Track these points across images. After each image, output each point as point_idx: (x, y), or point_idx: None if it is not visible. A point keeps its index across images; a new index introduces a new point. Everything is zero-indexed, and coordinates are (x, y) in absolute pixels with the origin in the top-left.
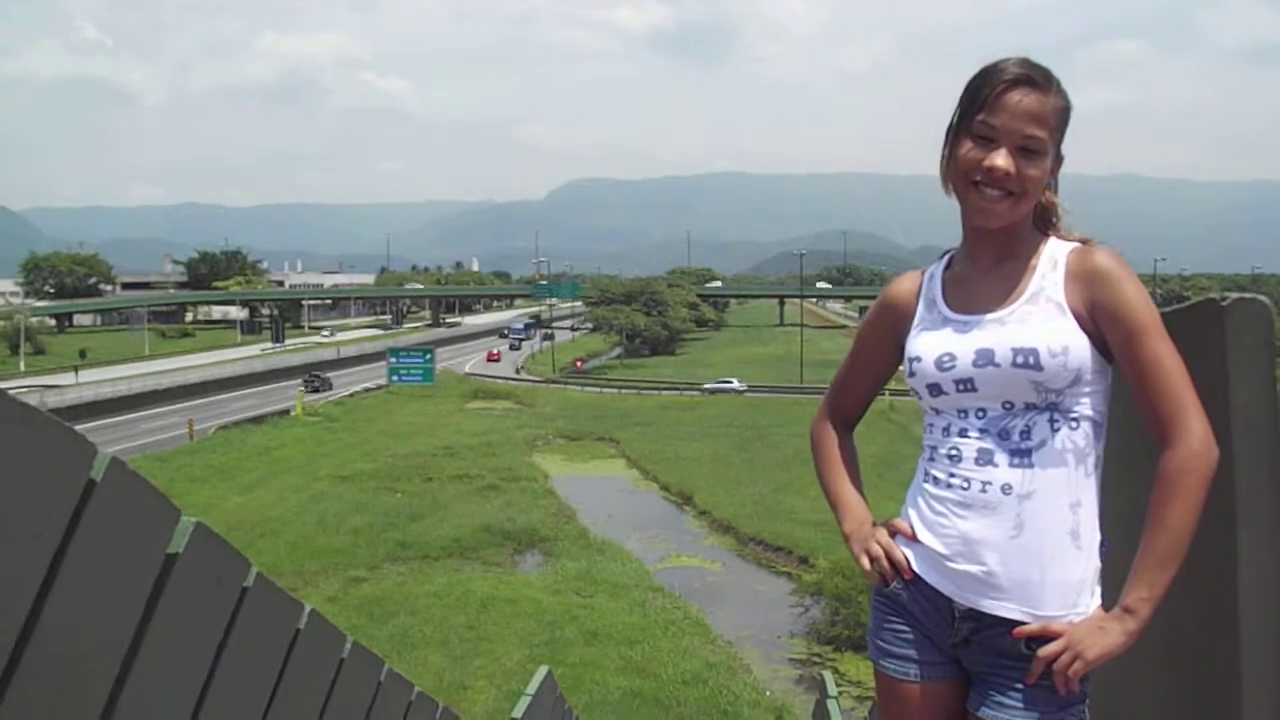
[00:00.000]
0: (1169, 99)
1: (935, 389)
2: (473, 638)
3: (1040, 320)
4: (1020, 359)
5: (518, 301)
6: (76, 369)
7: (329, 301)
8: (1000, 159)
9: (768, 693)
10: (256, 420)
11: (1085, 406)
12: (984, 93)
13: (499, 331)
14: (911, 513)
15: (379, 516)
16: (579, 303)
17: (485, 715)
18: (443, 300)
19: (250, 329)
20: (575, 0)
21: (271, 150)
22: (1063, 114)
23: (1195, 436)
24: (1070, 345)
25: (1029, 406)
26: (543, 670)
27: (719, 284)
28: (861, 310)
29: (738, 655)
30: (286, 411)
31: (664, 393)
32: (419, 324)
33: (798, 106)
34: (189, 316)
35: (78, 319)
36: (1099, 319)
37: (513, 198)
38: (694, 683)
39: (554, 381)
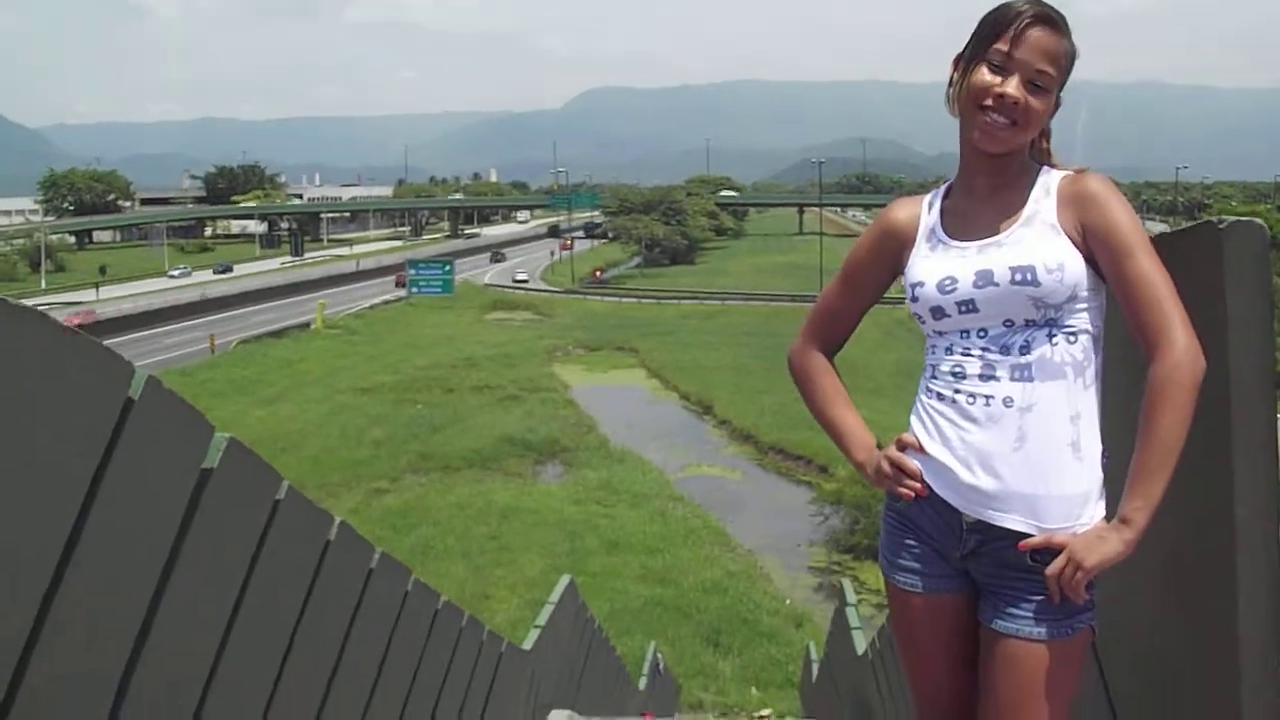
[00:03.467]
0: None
1: (938, 312)
2: (494, 548)
3: (1035, 241)
4: (1018, 277)
5: (536, 212)
6: (97, 285)
7: (347, 214)
8: (1012, 87)
9: (788, 600)
10: (277, 334)
11: (1082, 320)
12: (1004, 25)
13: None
14: (917, 427)
15: (400, 428)
16: (597, 212)
17: (508, 624)
18: (461, 211)
19: (269, 243)
20: None
21: (287, 64)
22: (1070, 59)
23: (1179, 346)
24: (1065, 262)
25: (1028, 323)
26: (565, 579)
27: (735, 194)
28: None
29: (758, 563)
30: (307, 325)
31: (684, 302)
32: (438, 235)
33: (813, 13)
34: (208, 231)
35: (97, 235)
36: (1090, 240)
37: (530, 107)
38: (714, 591)
39: (573, 292)
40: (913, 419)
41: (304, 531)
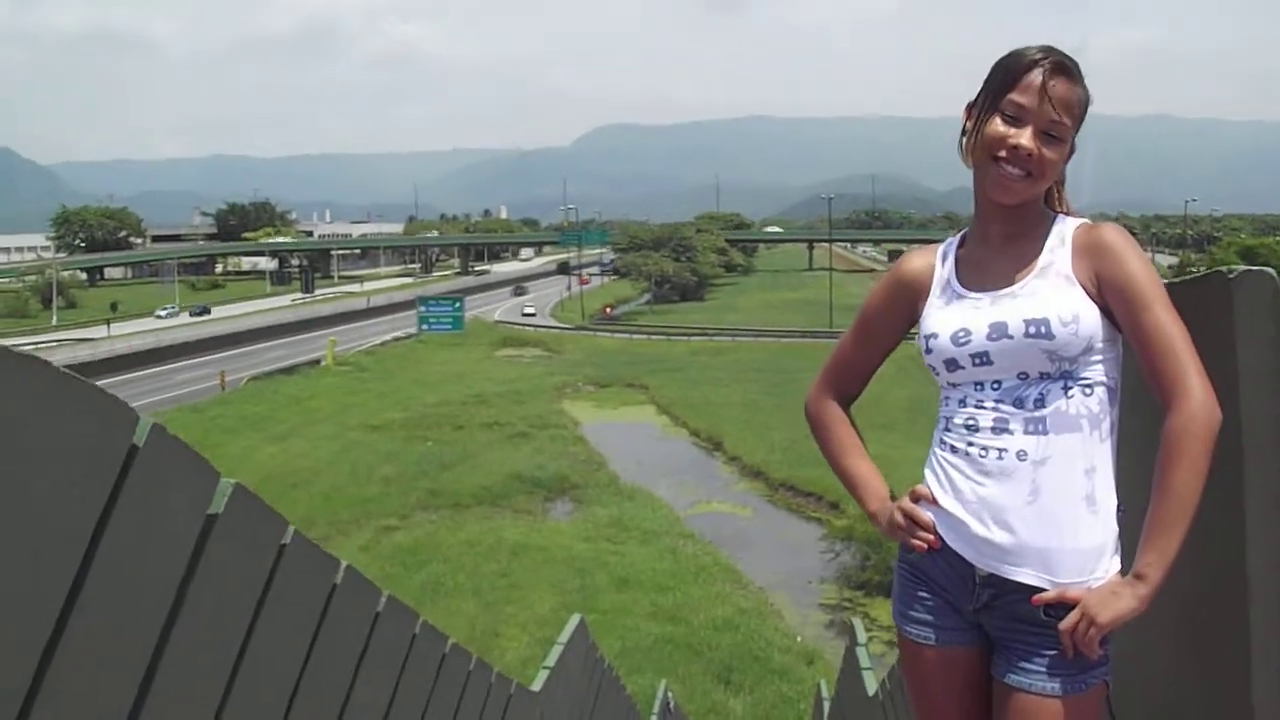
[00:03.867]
0: (1201, 37)
1: (952, 364)
2: (505, 585)
3: (1050, 292)
4: (1032, 329)
5: (546, 248)
6: (109, 322)
7: (358, 251)
8: (1026, 138)
9: (799, 638)
10: (288, 370)
11: (1098, 372)
12: (1018, 74)
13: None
14: (930, 479)
15: (410, 465)
16: (607, 248)
17: (518, 662)
18: (471, 248)
19: (280, 279)
20: None
21: (297, 100)
22: (1084, 107)
23: (1195, 399)
24: (1080, 314)
25: (1043, 376)
26: (575, 618)
27: (749, 229)
28: (891, 255)
29: (769, 601)
30: (317, 361)
31: (693, 338)
32: (448, 272)
33: (826, 50)
34: (219, 268)
35: (109, 272)
36: (1105, 291)
37: (540, 144)
38: (725, 629)
39: (583, 328)
40: (926, 471)
41: (310, 576)
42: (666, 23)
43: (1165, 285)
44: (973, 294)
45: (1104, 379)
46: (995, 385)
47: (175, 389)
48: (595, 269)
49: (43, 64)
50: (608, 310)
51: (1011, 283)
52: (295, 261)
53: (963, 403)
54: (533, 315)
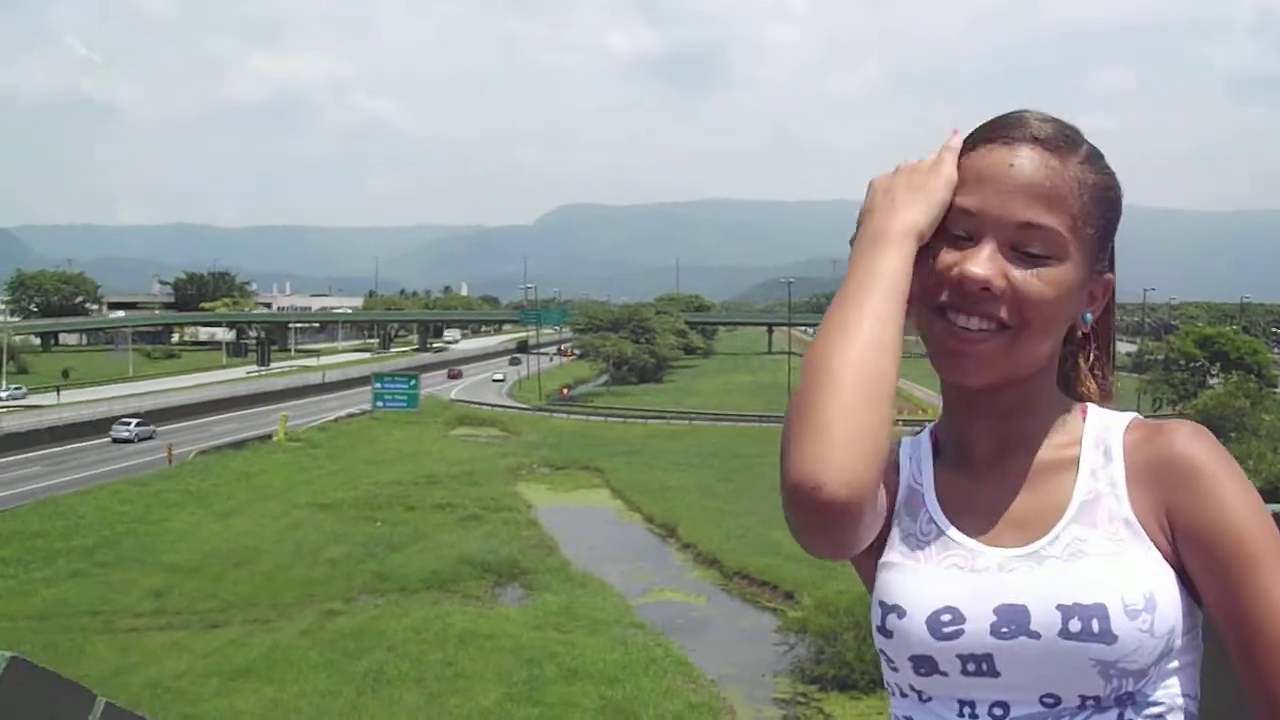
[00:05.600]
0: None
1: (925, 665)
2: (450, 675)
3: (1103, 553)
4: (1077, 625)
5: (505, 327)
6: (59, 389)
7: (317, 324)
8: (979, 264)
9: None
10: (238, 445)
11: (1172, 690)
12: (963, 156)
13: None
14: None
15: (357, 546)
16: (567, 329)
17: None
18: (430, 325)
19: (237, 351)
20: (566, 25)
21: (263, 171)
22: (1098, 196)
23: None
24: (1158, 593)
25: (1086, 703)
26: None
27: (709, 311)
28: None
29: (721, 695)
30: (269, 436)
31: (650, 421)
32: (406, 348)
33: (788, 134)
34: (175, 337)
35: (63, 338)
36: (1181, 540)
37: (503, 221)
38: None
39: (540, 409)
40: None
41: None
42: (632, 104)
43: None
44: (967, 542)
45: (1179, 699)
46: (1000, 709)
47: (121, 460)
48: (554, 348)
49: (8, 126)
50: (564, 391)
51: (1032, 532)
52: (253, 333)
53: None
54: (501, 380)
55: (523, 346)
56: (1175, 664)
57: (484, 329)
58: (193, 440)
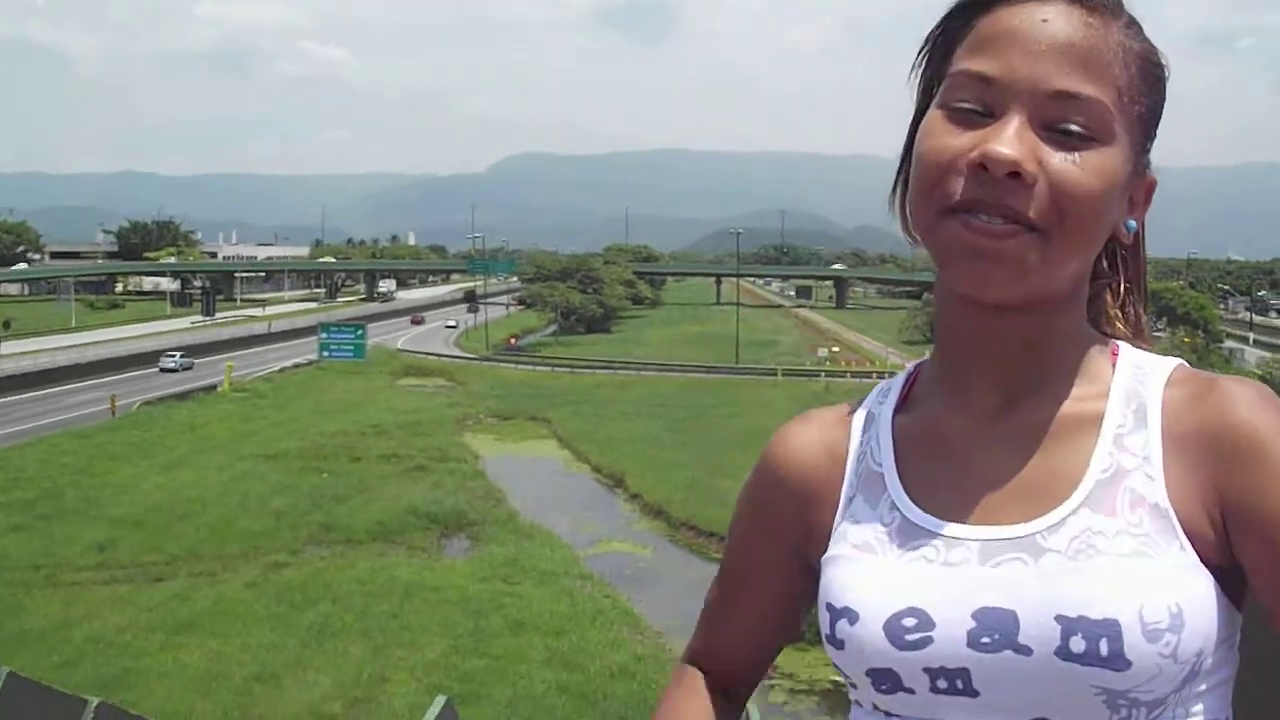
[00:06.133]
0: None
1: (887, 680)
2: (395, 627)
3: (1121, 552)
4: (1079, 644)
5: (454, 276)
6: None
7: (263, 274)
8: (1005, 142)
9: None
10: (182, 396)
11: (1197, 717)
12: (968, 23)
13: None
14: None
15: (303, 497)
16: (514, 279)
17: (406, 708)
18: (377, 274)
19: (182, 301)
20: None
21: (212, 119)
22: (1145, 69)
23: None
24: (1188, 607)
25: None
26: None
27: (657, 262)
28: (800, 291)
29: (667, 646)
30: (214, 387)
31: (598, 371)
32: (353, 298)
33: (742, 85)
34: (119, 287)
35: (4, 288)
36: (1242, 535)
37: (455, 170)
38: (622, 676)
39: (487, 359)
40: None
41: None
42: (587, 53)
43: None
44: (937, 525)
45: None
46: None
47: (63, 413)
48: (509, 297)
49: None
50: (512, 341)
51: (1031, 509)
52: (198, 283)
53: None
54: (455, 327)
55: (470, 296)
56: (1203, 686)
57: (431, 279)
58: (137, 391)
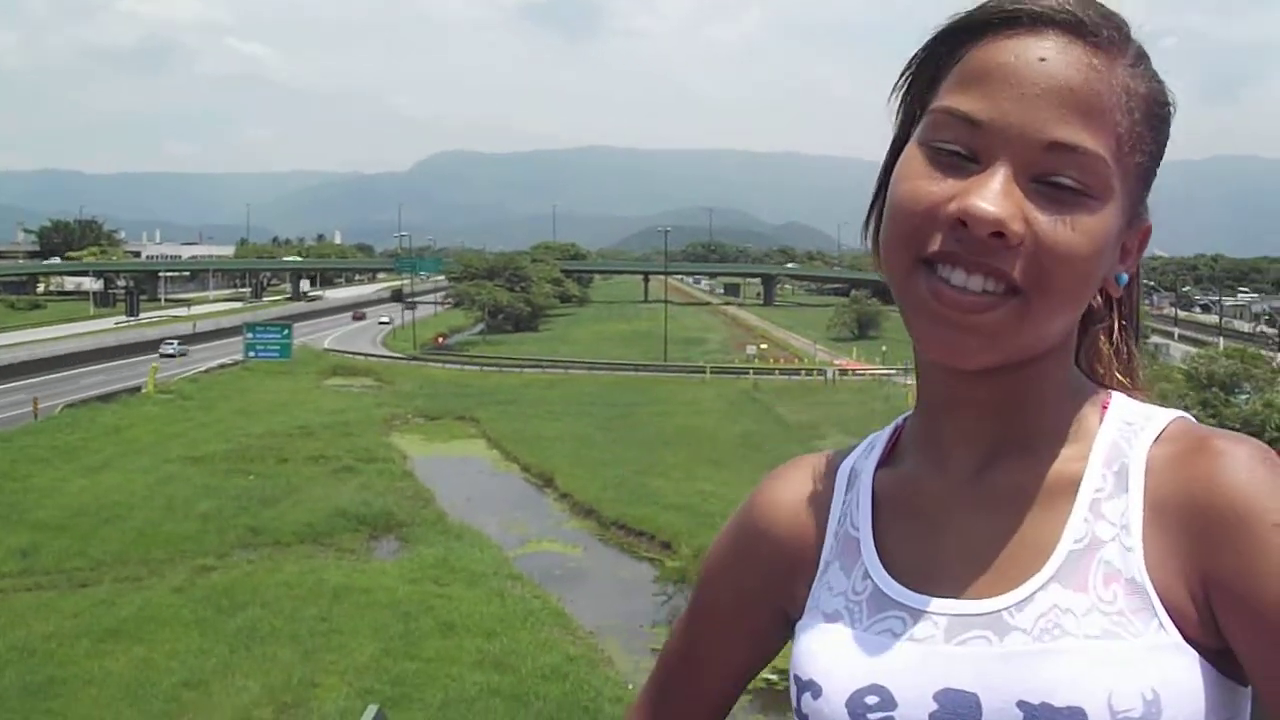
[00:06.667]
0: None
1: None
2: (325, 630)
3: (1090, 633)
4: None
5: (380, 275)
6: None
7: (187, 274)
8: (990, 197)
9: (630, 685)
10: (106, 398)
11: None
12: (955, 50)
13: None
14: None
15: (230, 500)
16: (442, 277)
17: (336, 713)
18: (303, 273)
19: (105, 301)
20: None
21: (134, 117)
22: (1150, 112)
23: None
24: (1165, 692)
25: None
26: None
27: (585, 260)
28: (727, 288)
29: (599, 647)
30: (138, 389)
31: (526, 370)
32: (278, 297)
33: (668, 82)
34: (40, 288)
35: None
36: (1229, 617)
37: (379, 169)
38: (554, 677)
39: (415, 358)
40: None
41: None
42: (511, 50)
43: None
44: (910, 598)
45: None
46: None
47: None
48: (439, 295)
49: None
50: (439, 340)
51: (1001, 582)
52: (121, 283)
53: None
54: (389, 323)
55: (398, 295)
56: None
57: (358, 278)
58: (60, 393)
